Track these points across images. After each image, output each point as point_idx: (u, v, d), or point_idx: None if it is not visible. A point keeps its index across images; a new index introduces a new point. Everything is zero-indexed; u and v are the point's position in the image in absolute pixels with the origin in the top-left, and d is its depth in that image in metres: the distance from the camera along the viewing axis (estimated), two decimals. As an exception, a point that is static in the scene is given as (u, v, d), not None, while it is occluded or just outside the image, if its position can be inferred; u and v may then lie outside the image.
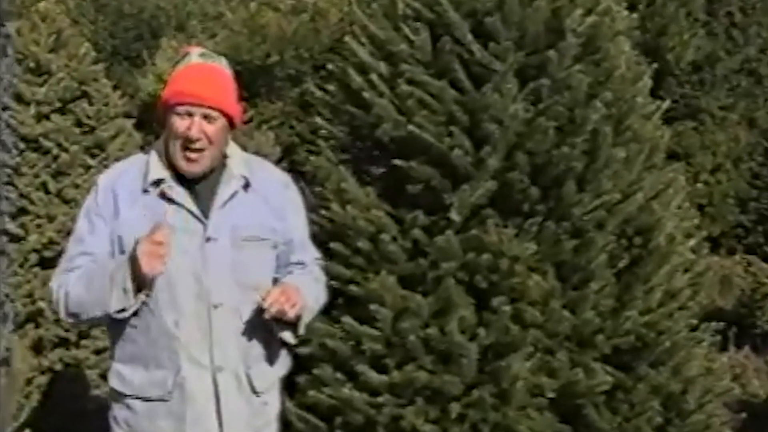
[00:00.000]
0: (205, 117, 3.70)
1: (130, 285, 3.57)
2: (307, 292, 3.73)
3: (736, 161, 11.96)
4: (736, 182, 11.83)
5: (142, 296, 3.62)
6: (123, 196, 3.75)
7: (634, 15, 4.41)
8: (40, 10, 7.42)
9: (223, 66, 3.85)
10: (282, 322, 3.66)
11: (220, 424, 3.74)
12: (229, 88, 3.82)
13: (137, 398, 3.74)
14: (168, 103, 3.72)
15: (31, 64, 7.19)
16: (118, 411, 3.81)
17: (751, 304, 9.09)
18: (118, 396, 3.80)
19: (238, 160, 3.87)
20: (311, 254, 3.95)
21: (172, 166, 3.75)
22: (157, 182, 3.74)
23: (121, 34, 14.56)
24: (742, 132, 12.10)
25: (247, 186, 3.83)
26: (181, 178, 3.75)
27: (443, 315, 3.80)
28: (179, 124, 3.69)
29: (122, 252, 3.68)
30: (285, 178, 4.00)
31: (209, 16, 15.81)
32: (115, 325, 3.74)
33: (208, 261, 3.72)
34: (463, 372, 3.76)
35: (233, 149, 3.87)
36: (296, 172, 11.07)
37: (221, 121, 3.73)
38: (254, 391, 3.80)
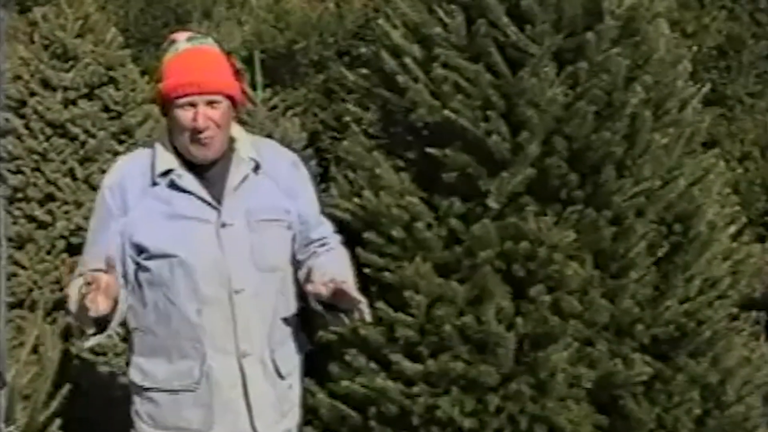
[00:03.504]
0: (209, 103, 3.64)
1: (73, 308, 3.59)
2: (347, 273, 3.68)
3: (764, 149, 11.82)
4: (764, 170, 11.70)
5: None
6: (132, 191, 3.69)
7: (673, -3, 4.32)
8: (67, -5, 7.37)
9: (213, 46, 3.78)
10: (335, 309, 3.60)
11: (249, 411, 3.71)
12: (224, 68, 3.75)
13: (161, 391, 3.69)
14: (168, 97, 3.64)
15: (58, 50, 7.13)
16: (141, 405, 3.75)
17: (781, 293, 8.99)
18: (141, 390, 3.74)
19: (245, 143, 3.83)
20: (329, 228, 3.89)
21: (180, 156, 3.70)
22: (166, 173, 3.69)
23: (149, 21, 14.52)
24: (771, 119, 11.96)
25: (257, 168, 3.78)
26: (190, 166, 3.71)
27: (479, 303, 3.73)
28: (184, 116, 3.63)
29: (138, 249, 3.64)
30: (293, 156, 3.96)
31: (235, 2, 15.77)
32: (132, 320, 3.70)
33: (226, 247, 3.67)
34: (499, 362, 3.69)
35: (238, 132, 3.83)
36: (321, 158, 11.08)
37: (225, 104, 3.68)
38: (279, 375, 3.77)
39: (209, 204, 3.69)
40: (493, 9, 3.83)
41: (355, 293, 3.51)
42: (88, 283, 3.37)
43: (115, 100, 7.14)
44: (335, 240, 3.87)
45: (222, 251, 3.66)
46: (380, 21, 4.13)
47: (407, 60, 3.93)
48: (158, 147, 3.74)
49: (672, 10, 4.21)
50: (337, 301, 3.55)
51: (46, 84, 7.04)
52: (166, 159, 3.70)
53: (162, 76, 3.70)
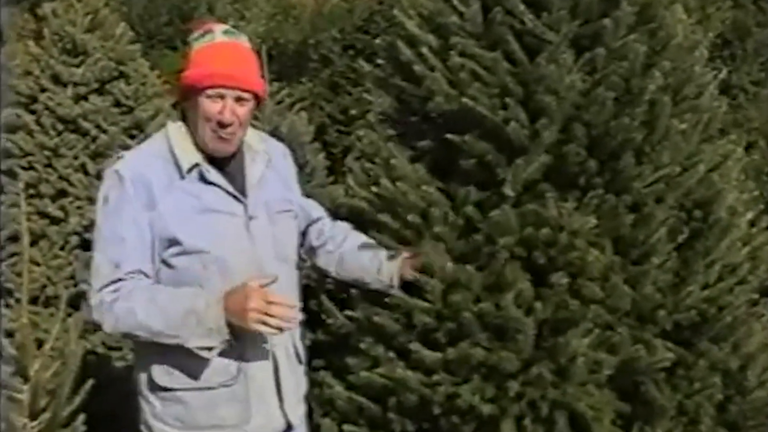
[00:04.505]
0: (237, 99, 3.65)
1: (220, 325, 3.49)
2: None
3: (768, 138, 11.79)
4: (769, 158, 11.67)
5: (226, 338, 3.53)
6: (158, 184, 3.62)
7: (688, -17, 4.30)
8: (76, -10, 7.35)
9: (247, 43, 3.78)
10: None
11: (279, 399, 3.75)
12: (256, 66, 3.77)
13: (193, 390, 3.64)
14: (197, 85, 3.63)
15: (68, 45, 7.12)
16: (164, 408, 3.69)
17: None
18: (165, 392, 3.67)
19: (253, 135, 3.88)
20: (319, 208, 4.10)
21: (199, 149, 3.69)
22: (194, 166, 3.67)
23: (154, 17, 14.50)
24: (775, 108, 11.93)
25: (269, 161, 3.85)
26: (210, 160, 3.71)
27: (498, 290, 3.72)
28: (211, 107, 3.63)
29: (168, 244, 3.59)
30: (284, 147, 4.05)
31: (238, -1, 15.76)
32: None
33: (255, 240, 3.70)
34: (519, 348, 3.68)
35: None
36: (328, 152, 11.08)
37: (251, 102, 3.70)
38: (300, 361, 3.86)
39: (235, 197, 3.70)
40: (510, -4, 3.82)
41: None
42: (269, 302, 3.43)
43: (126, 95, 7.13)
44: (330, 218, 4.07)
45: (252, 244, 3.68)
46: (395, 11, 4.11)
47: (423, 49, 3.92)
48: (175, 138, 3.71)
49: (683, -5, 4.17)
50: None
51: (56, 79, 7.03)
52: (190, 152, 3.68)
53: (191, 63, 3.69)
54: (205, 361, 3.59)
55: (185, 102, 3.73)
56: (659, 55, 3.87)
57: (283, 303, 3.47)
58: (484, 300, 3.70)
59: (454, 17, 3.91)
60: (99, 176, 6.93)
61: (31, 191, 6.73)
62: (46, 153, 6.81)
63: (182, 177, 3.66)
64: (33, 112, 6.93)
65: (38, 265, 6.56)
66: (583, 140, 3.71)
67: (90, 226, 6.82)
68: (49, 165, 6.80)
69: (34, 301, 6.44)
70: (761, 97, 11.99)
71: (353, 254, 3.90)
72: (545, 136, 3.69)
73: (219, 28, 3.76)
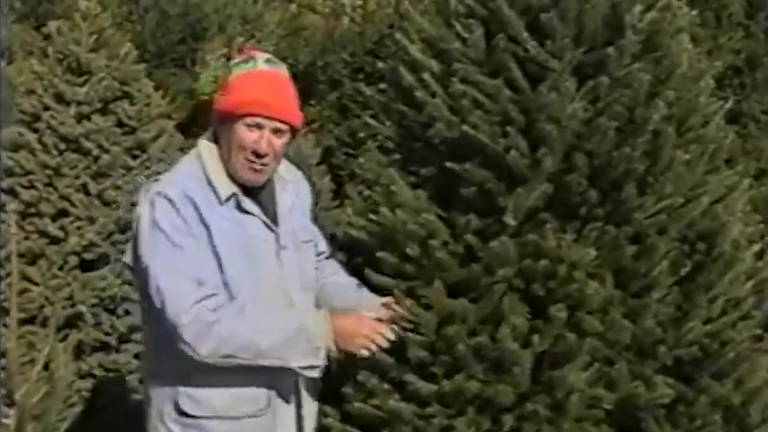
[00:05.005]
0: (275, 130, 3.61)
1: (328, 344, 3.56)
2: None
3: (780, 166, 11.75)
4: (780, 187, 11.63)
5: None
6: (202, 206, 3.57)
7: (695, 12, 4.24)
8: (82, 9, 7.35)
9: (286, 72, 3.75)
10: None
11: (299, 426, 3.74)
12: (295, 98, 3.74)
13: (219, 419, 3.59)
14: (235, 111, 3.60)
15: (72, 64, 7.12)
16: None
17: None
18: (189, 419, 3.60)
19: (283, 164, 3.83)
20: (324, 241, 4.01)
21: (230, 175, 3.65)
22: (231, 195, 3.64)
23: (166, 36, 14.51)
24: (786, 136, 11.88)
25: (298, 192, 3.86)
26: (244, 188, 3.68)
27: (494, 322, 3.66)
28: (248, 135, 3.59)
29: (219, 266, 3.54)
30: (304, 177, 4.02)
31: (248, 19, 15.78)
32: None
33: (285, 269, 3.69)
34: (516, 381, 3.62)
35: None
36: (334, 174, 11.05)
37: (288, 135, 3.67)
38: (317, 395, 3.82)
39: (268, 226, 3.68)
40: (513, 23, 3.77)
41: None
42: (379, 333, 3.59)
43: (129, 115, 7.13)
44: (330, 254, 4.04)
45: (282, 273, 3.67)
46: (398, 36, 4.08)
47: (425, 75, 3.87)
48: (209, 162, 3.66)
49: (692, 24, 4.12)
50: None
51: (59, 98, 7.04)
52: (224, 180, 3.63)
53: (230, 88, 3.66)
54: (234, 391, 3.57)
55: (219, 126, 3.69)
56: (664, 85, 3.82)
57: (385, 333, 3.63)
58: (480, 333, 3.64)
59: (456, 43, 3.86)
60: (100, 196, 6.97)
61: (31, 210, 6.71)
62: (48, 172, 6.81)
63: (221, 203, 3.62)
64: (35, 131, 6.93)
65: (36, 284, 6.54)
66: (584, 170, 3.65)
67: (89, 247, 6.86)
68: (50, 184, 6.80)
69: (31, 320, 6.40)
70: (771, 127, 11.97)
71: (336, 285, 3.89)
72: (546, 165, 3.64)
73: (261, 56, 3.74)
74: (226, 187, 3.62)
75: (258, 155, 3.59)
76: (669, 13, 3.94)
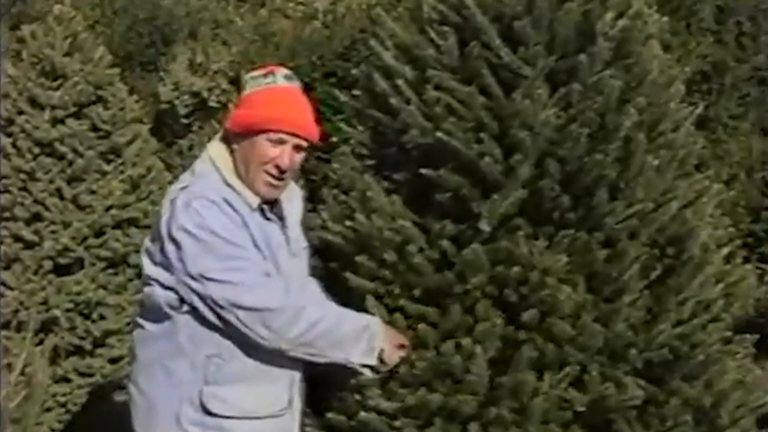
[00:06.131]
0: (296, 146, 3.69)
1: (382, 347, 3.65)
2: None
3: (749, 171, 11.85)
4: (750, 192, 11.72)
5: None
6: (239, 210, 3.64)
7: (665, 18, 4.29)
8: (56, 13, 7.34)
9: (301, 88, 3.84)
10: None
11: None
12: (313, 115, 3.81)
13: (240, 418, 3.65)
14: (257, 127, 3.66)
15: (46, 68, 7.11)
16: None
17: (768, 314, 8.97)
18: (209, 418, 3.64)
19: None
20: None
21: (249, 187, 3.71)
22: (260, 201, 3.71)
23: (135, 40, 14.49)
24: (755, 141, 11.99)
25: (300, 201, 3.94)
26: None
27: (465, 329, 3.71)
28: (269, 150, 3.66)
29: None
30: (296, 185, 4.04)
31: (220, 23, 15.77)
32: (209, 346, 3.62)
33: (293, 275, 3.76)
34: (474, 389, 3.66)
35: None
36: (307, 179, 11.05)
37: (305, 151, 3.75)
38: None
39: (285, 235, 3.77)
40: (486, 30, 3.81)
41: None
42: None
43: (103, 119, 7.13)
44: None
45: (291, 280, 3.72)
46: (372, 42, 4.10)
47: (399, 81, 3.91)
48: (227, 174, 3.70)
49: (663, 32, 4.17)
50: None
51: (33, 102, 7.03)
52: (245, 189, 3.69)
53: (249, 102, 3.74)
54: (254, 390, 3.64)
55: (236, 139, 3.73)
56: (635, 91, 3.87)
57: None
58: (441, 347, 3.70)
59: (430, 50, 3.90)
60: (74, 201, 6.96)
61: (6, 214, 6.70)
62: (22, 176, 6.80)
63: (252, 209, 3.69)
64: (9, 135, 6.91)
65: (11, 289, 6.52)
66: (557, 176, 3.70)
67: (64, 251, 6.85)
68: (24, 188, 6.79)
69: (6, 325, 6.39)
70: (740, 131, 12.07)
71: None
72: (520, 171, 3.68)
73: (280, 72, 3.80)
74: (250, 195, 3.69)
75: (280, 170, 3.67)
76: (640, 21, 3.99)
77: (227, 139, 3.77)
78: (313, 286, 3.90)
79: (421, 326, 3.71)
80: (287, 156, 3.67)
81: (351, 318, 3.66)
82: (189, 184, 3.69)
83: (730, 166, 11.64)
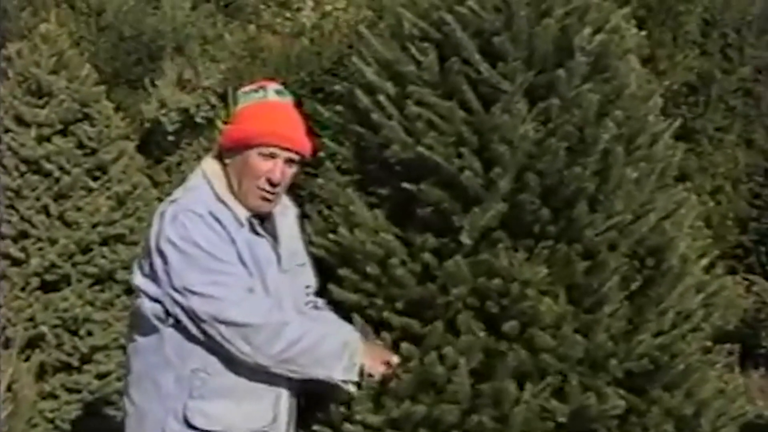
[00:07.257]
0: (288, 160, 3.72)
1: (361, 363, 3.66)
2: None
3: (735, 182, 11.90)
4: (736, 203, 11.77)
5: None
6: (227, 226, 3.66)
7: (643, 33, 4.35)
8: (42, 31, 7.37)
9: (293, 103, 3.87)
10: None
11: None
12: (305, 129, 3.83)
13: None
14: (250, 141, 3.69)
15: (32, 86, 7.14)
16: None
17: (755, 325, 9.04)
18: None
19: None
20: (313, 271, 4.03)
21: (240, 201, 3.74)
22: (247, 219, 3.73)
23: (121, 57, 14.50)
24: (741, 153, 12.05)
25: (295, 217, 3.95)
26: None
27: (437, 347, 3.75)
28: (262, 164, 3.69)
29: None
30: (291, 201, 4.06)
31: (208, 39, 15.79)
32: (195, 361, 3.64)
33: (284, 292, 3.76)
34: (456, 398, 3.70)
35: None
36: (294, 194, 11.08)
37: (297, 166, 3.77)
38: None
39: (274, 250, 3.78)
40: (466, 46, 3.86)
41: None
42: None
43: (89, 137, 7.16)
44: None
45: (282, 296, 3.74)
46: (354, 59, 4.15)
47: (381, 97, 3.95)
48: (219, 189, 3.73)
49: (643, 46, 4.22)
50: None
51: (20, 120, 7.04)
52: (236, 203, 3.72)
53: (241, 117, 3.78)
54: (239, 406, 3.65)
55: (228, 153, 3.77)
56: (613, 105, 3.92)
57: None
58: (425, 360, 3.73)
59: (411, 66, 3.95)
60: (61, 218, 6.98)
61: (-7, 232, 6.72)
62: (8, 194, 6.80)
63: (241, 224, 3.71)
64: (-4, 153, 6.92)
65: (-1, 306, 6.54)
66: (536, 189, 3.74)
67: (51, 268, 6.87)
68: (11, 206, 6.79)
69: (-7, 342, 6.40)
70: (726, 143, 12.12)
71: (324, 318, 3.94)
72: (500, 185, 3.72)
73: (272, 87, 3.85)
74: (241, 211, 3.71)
75: (272, 184, 3.69)
76: (617, 35, 4.04)
77: (221, 155, 3.81)
78: (309, 302, 3.91)
79: (404, 345, 3.74)
80: (279, 170, 3.70)
81: (332, 335, 3.67)
82: (179, 198, 3.73)
83: (715, 177, 11.70)
